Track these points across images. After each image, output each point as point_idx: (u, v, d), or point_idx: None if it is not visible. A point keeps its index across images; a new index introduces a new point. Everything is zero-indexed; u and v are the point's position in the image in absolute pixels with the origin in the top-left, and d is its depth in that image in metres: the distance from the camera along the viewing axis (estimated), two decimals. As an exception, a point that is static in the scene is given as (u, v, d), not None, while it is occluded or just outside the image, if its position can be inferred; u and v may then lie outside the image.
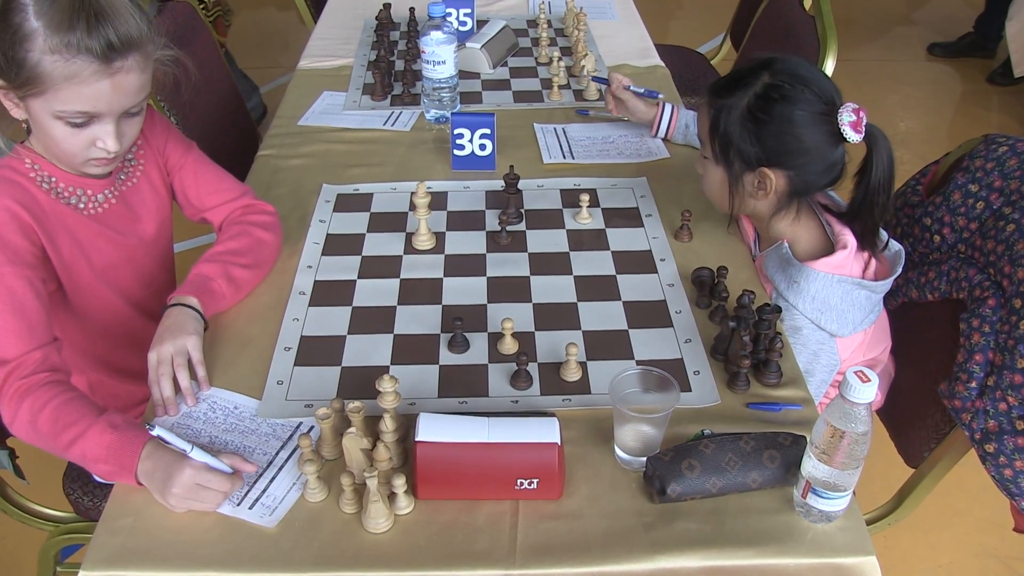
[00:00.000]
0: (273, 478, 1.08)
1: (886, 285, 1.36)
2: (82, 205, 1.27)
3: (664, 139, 1.83)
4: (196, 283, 1.30)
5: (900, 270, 1.36)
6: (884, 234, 1.38)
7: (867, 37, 4.58)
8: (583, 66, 2.05)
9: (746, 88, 1.32)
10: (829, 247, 1.36)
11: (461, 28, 2.26)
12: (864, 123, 1.27)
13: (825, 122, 1.28)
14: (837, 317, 1.32)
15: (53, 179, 1.24)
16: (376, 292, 1.40)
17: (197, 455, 1.04)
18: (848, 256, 1.33)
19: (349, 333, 1.31)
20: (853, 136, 1.27)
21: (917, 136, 3.70)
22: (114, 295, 1.35)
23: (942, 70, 4.27)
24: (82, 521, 1.48)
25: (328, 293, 1.39)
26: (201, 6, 2.35)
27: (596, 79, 1.94)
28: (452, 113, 1.74)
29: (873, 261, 1.37)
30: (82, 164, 1.22)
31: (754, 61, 1.35)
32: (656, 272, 1.43)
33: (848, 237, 1.34)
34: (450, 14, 2.24)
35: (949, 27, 4.51)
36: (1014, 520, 1.34)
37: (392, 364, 1.25)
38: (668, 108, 1.80)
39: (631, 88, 1.82)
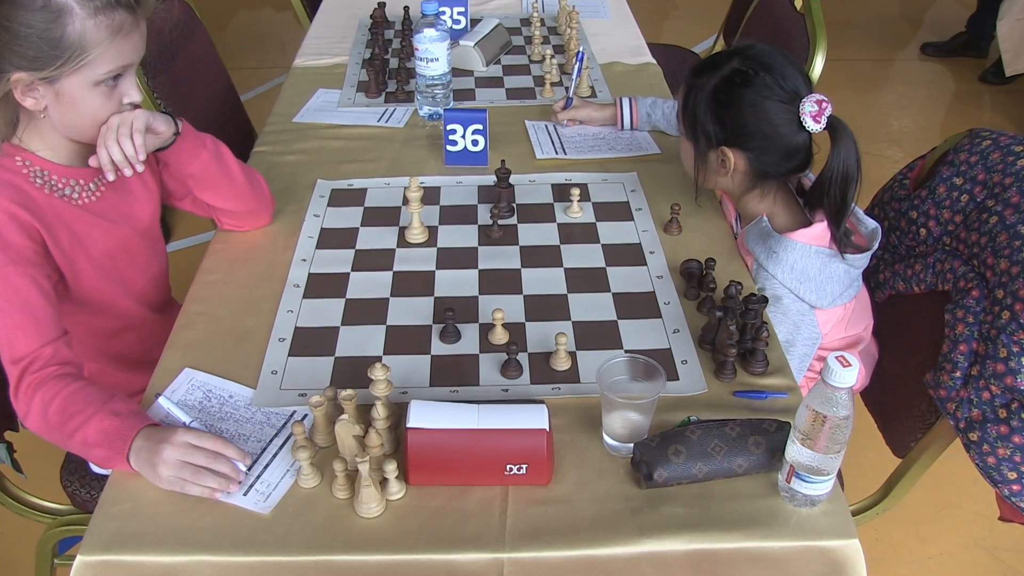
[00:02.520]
0: (267, 465, 1.10)
1: (863, 260, 1.40)
2: (76, 196, 1.29)
3: (632, 129, 1.87)
4: (193, 128, 1.38)
5: (876, 246, 1.40)
6: (859, 211, 1.42)
7: (861, 37, 4.61)
8: (575, 64, 2.07)
9: (716, 71, 1.39)
10: (806, 223, 1.41)
11: (455, 26, 2.28)
12: (827, 115, 1.33)
13: (786, 110, 1.34)
14: (816, 288, 1.36)
15: (46, 172, 1.26)
16: (369, 284, 1.41)
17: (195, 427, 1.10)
18: (825, 229, 1.37)
19: (343, 324, 1.33)
20: (812, 125, 1.33)
21: (910, 135, 3.73)
22: (112, 284, 1.37)
23: (935, 69, 4.30)
24: (79, 513, 1.49)
25: (322, 285, 1.41)
26: None
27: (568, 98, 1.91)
28: (445, 109, 1.76)
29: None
30: None
31: (732, 47, 1.41)
32: (646, 264, 1.45)
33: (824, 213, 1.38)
34: (444, 12, 2.26)
35: (942, 27, 4.53)
36: (999, 509, 1.36)
37: (385, 354, 1.27)
38: (626, 102, 1.85)
39: (568, 104, 1.86)
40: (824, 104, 1.32)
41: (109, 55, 1.16)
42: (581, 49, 1.93)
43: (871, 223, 1.41)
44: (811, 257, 1.35)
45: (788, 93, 1.33)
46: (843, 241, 1.37)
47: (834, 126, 1.33)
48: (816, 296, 1.36)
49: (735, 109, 1.37)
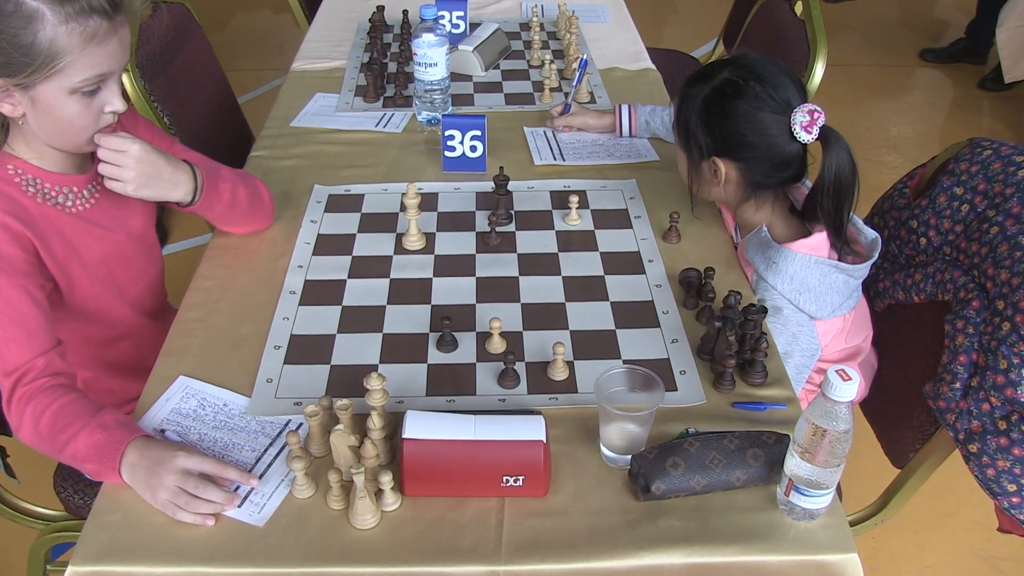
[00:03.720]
0: (262, 475, 1.09)
1: (863, 270, 1.39)
2: (69, 203, 1.28)
3: (631, 136, 1.86)
4: (211, 169, 1.39)
5: (876, 256, 1.39)
6: (859, 221, 1.41)
7: (860, 42, 4.61)
8: (574, 70, 2.07)
9: (707, 81, 1.38)
10: (806, 233, 1.40)
11: (454, 31, 2.27)
12: (819, 125, 1.31)
13: (778, 120, 1.33)
14: (815, 299, 1.35)
15: (38, 181, 1.24)
16: (366, 292, 1.40)
17: None
18: (825, 239, 1.37)
19: (339, 332, 1.32)
20: (804, 136, 1.32)
21: (909, 141, 3.72)
22: (107, 291, 1.36)
23: (934, 76, 4.30)
24: (73, 519, 1.48)
25: (318, 292, 1.40)
26: None
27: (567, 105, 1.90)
28: (443, 115, 1.75)
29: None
30: (88, 142, 1.23)
31: (727, 57, 1.42)
32: (644, 273, 1.44)
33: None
34: (443, 17, 2.26)
35: (941, 33, 4.54)
36: (998, 520, 1.35)
37: (381, 363, 1.26)
38: (624, 109, 1.84)
39: (566, 110, 1.86)
40: (817, 114, 1.31)
41: (83, 62, 1.14)
42: (584, 57, 1.92)
43: (871, 233, 1.41)
44: (811, 267, 1.35)
45: (780, 103, 1.32)
46: (843, 249, 1.37)
47: (826, 136, 1.32)
48: (816, 307, 1.36)
49: (726, 119, 1.36)
